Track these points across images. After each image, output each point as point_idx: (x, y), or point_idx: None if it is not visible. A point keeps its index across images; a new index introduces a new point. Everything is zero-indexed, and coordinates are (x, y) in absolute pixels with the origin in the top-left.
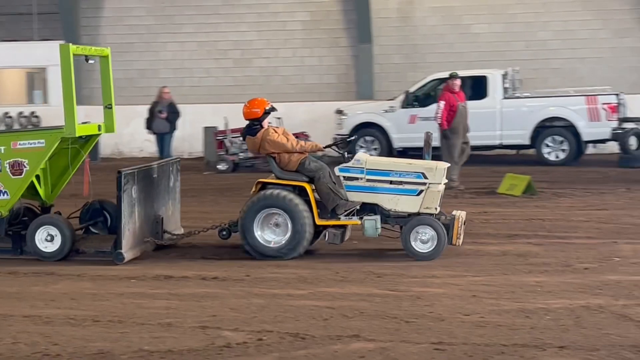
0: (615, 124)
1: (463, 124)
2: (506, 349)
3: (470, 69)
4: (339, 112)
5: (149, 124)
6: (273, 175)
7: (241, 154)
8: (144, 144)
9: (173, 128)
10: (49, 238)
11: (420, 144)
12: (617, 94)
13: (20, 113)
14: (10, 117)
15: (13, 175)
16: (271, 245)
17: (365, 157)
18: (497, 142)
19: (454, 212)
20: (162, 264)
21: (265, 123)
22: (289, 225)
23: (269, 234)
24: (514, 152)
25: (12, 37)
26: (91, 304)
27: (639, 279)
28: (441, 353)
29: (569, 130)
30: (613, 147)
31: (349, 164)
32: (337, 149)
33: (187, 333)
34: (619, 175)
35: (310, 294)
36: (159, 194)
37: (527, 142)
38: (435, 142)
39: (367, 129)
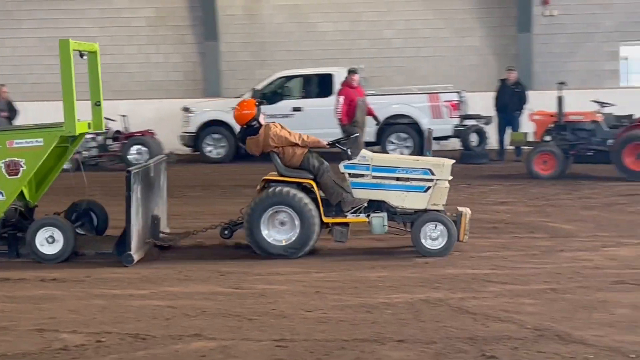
0: (456, 121)
1: (362, 118)
2: (347, 344)
3: (317, 66)
4: (186, 109)
5: None
6: (275, 172)
7: (85, 152)
8: None
9: None
10: (50, 240)
11: None
12: (458, 92)
13: None
14: None
15: (9, 175)
16: (282, 243)
17: (370, 154)
18: None
19: (459, 209)
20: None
21: (262, 119)
22: (297, 223)
23: (275, 233)
24: None
25: None
26: None
27: (476, 272)
28: (282, 350)
29: (413, 127)
30: (455, 143)
31: (355, 160)
32: (340, 146)
33: (22, 336)
34: (461, 172)
35: (152, 293)
36: (154, 193)
37: (373, 139)
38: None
39: (215, 127)
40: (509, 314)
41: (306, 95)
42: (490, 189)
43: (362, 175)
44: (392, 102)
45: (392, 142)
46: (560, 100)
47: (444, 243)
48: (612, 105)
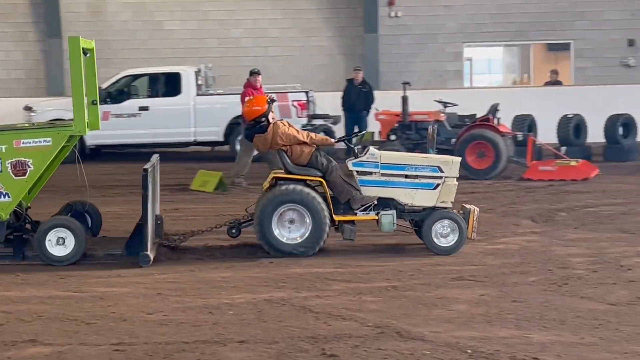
0: (305, 120)
1: None
2: (187, 346)
3: (164, 65)
4: (28, 108)
5: None
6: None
7: None
8: None
9: None
10: (60, 241)
11: (115, 141)
12: (306, 92)
13: None
14: None
15: (15, 175)
16: (297, 241)
17: (379, 152)
18: (191, 138)
19: (467, 206)
20: None
21: (271, 117)
22: (309, 221)
23: (284, 231)
24: (209, 148)
25: None
26: None
27: (320, 271)
28: (120, 354)
29: None
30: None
31: (363, 158)
32: (347, 143)
33: None
34: None
35: None
36: (155, 192)
37: (221, 138)
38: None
39: None
40: (351, 312)
41: (153, 94)
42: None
43: (370, 173)
44: (239, 101)
45: None
46: (404, 100)
47: (455, 240)
48: (455, 105)
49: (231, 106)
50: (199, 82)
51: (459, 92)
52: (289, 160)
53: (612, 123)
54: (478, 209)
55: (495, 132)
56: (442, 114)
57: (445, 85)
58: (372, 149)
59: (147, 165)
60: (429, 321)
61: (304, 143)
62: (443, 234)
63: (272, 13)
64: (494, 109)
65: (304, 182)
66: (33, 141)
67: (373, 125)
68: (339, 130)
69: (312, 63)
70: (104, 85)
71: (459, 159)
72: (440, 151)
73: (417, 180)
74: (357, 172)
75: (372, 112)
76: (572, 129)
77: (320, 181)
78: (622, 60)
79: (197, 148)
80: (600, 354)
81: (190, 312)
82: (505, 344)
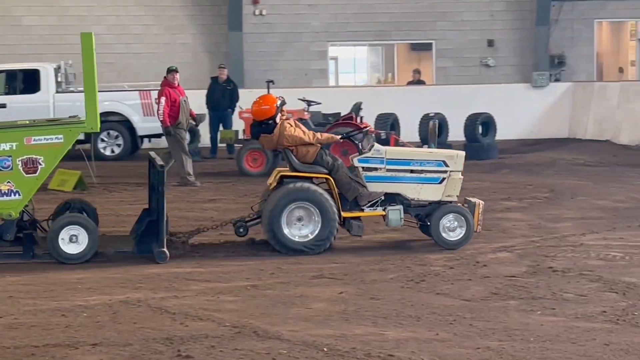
0: None
1: (186, 118)
2: (37, 350)
3: (23, 62)
4: None
5: None
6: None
7: None
8: None
9: None
10: (73, 239)
11: None
12: None
13: None
14: None
15: (26, 173)
16: (308, 237)
17: (384, 147)
18: None
19: (472, 200)
20: None
21: (278, 118)
22: (317, 219)
23: (293, 229)
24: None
25: None
26: None
27: (179, 271)
28: None
29: (124, 125)
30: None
31: (369, 154)
32: (353, 140)
33: None
34: (173, 170)
35: None
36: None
37: (81, 137)
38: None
39: None
40: (209, 312)
41: (11, 91)
42: (201, 187)
43: (376, 169)
44: (103, 99)
45: (103, 140)
46: None
47: (462, 234)
48: (318, 103)
49: None
50: (59, 79)
51: (324, 90)
52: (295, 159)
53: (472, 122)
54: (483, 202)
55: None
56: (306, 113)
57: (310, 84)
58: (376, 145)
59: (165, 165)
60: (287, 320)
61: (310, 144)
62: (451, 227)
63: (135, 9)
64: (356, 108)
65: (311, 180)
66: (44, 138)
67: (237, 124)
68: (204, 128)
69: (177, 60)
70: None
71: (464, 153)
72: None
73: (422, 175)
74: (363, 168)
75: (237, 110)
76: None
77: (326, 178)
78: (482, 60)
79: None
80: (454, 349)
81: (42, 315)
82: (362, 341)
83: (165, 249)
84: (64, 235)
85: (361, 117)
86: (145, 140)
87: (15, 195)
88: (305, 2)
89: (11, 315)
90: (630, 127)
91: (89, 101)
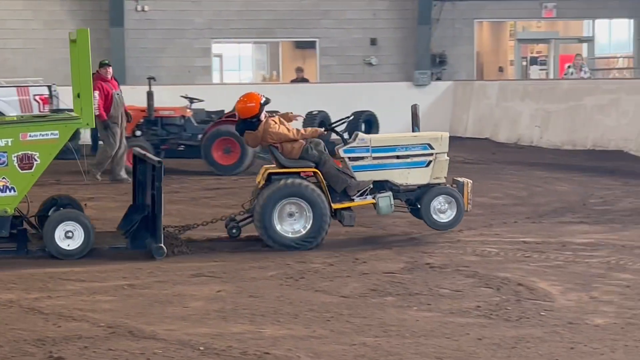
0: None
1: (121, 112)
2: None
3: None
4: None
5: None
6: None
7: None
8: None
9: None
10: (69, 235)
11: None
12: (49, 86)
13: None
14: None
15: (22, 169)
16: (301, 233)
17: (368, 136)
18: None
19: (460, 179)
20: None
21: (262, 115)
22: (309, 214)
23: (287, 225)
24: None
25: None
26: None
27: (54, 271)
28: None
29: None
30: None
31: (354, 144)
32: (335, 131)
33: None
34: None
35: None
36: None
37: None
38: None
39: None
40: (83, 313)
41: None
42: (81, 185)
43: (362, 158)
44: None
45: None
46: (150, 95)
47: (454, 215)
48: (201, 100)
49: None
50: None
51: (208, 88)
52: (281, 156)
53: (355, 119)
54: (471, 181)
55: None
56: (188, 110)
57: (193, 81)
58: (360, 134)
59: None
60: (163, 319)
61: (295, 140)
62: (442, 209)
63: (13, 4)
64: None
65: (298, 175)
66: (40, 134)
67: None
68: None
69: (56, 56)
70: None
71: (447, 134)
72: (186, 147)
73: (409, 160)
74: (349, 158)
75: None
76: (317, 125)
77: (314, 172)
78: (365, 58)
79: None
80: (330, 345)
81: None
82: (238, 339)
83: (162, 245)
84: (60, 231)
85: None
86: None
87: (10, 191)
88: None
89: None
90: (508, 125)
91: (85, 98)
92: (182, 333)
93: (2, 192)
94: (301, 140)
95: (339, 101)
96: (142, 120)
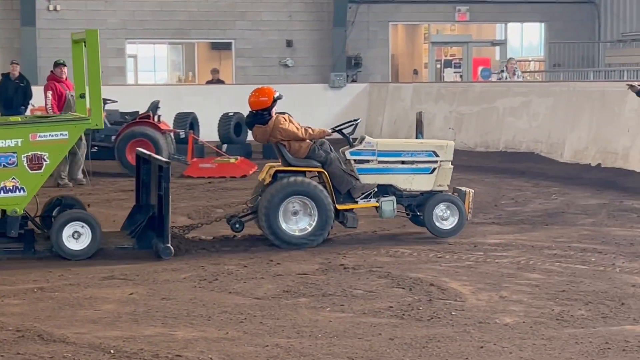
0: None
1: (72, 112)
2: None
3: None
4: None
5: None
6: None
7: None
8: None
9: None
10: (76, 235)
11: None
12: None
13: None
14: None
15: (31, 170)
16: (307, 230)
17: (375, 139)
18: None
19: (462, 188)
20: None
21: (273, 110)
22: (314, 212)
23: (292, 223)
24: None
25: None
26: None
27: None
28: None
29: None
30: None
31: (360, 146)
32: (342, 133)
33: None
34: None
35: None
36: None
37: None
38: None
39: None
40: None
41: None
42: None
43: (368, 161)
44: None
45: None
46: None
47: (455, 222)
48: (114, 101)
49: None
50: None
51: (122, 89)
52: (288, 154)
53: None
54: (473, 191)
55: (155, 129)
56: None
57: (107, 82)
58: (367, 137)
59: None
60: (73, 322)
61: (303, 139)
62: (444, 217)
63: None
64: (154, 107)
65: (304, 174)
66: (50, 135)
67: None
68: None
69: None
70: None
71: (452, 142)
72: (99, 149)
73: (414, 166)
74: (355, 160)
75: (30, 107)
76: (232, 127)
77: (320, 172)
78: (281, 60)
79: None
80: (243, 347)
81: None
82: (150, 342)
83: (170, 245)
84: (67, 232)
85: (159, 116)
86: None
87: (20, 191)
88: None
89: None
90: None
91: (94, 98)
92: (92, 336)
93: (12, 192)
94: (308, 140)
95: None
96: None
